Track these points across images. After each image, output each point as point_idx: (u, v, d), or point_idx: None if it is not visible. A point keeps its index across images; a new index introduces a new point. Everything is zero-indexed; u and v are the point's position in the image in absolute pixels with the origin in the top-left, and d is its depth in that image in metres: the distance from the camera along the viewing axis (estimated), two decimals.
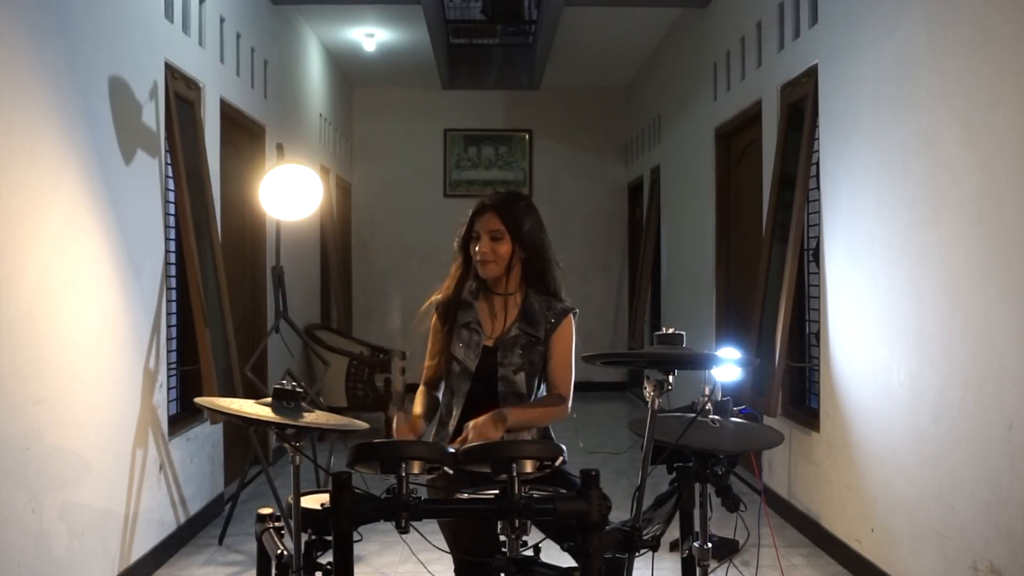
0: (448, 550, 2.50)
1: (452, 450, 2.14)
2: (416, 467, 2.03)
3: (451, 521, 2.46)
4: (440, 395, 2.73)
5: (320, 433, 6.42)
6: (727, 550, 2.73)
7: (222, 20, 5.28)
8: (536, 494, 2.04)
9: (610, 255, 10.06)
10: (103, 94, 3.71)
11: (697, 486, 2.37)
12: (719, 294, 6.37)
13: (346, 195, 9.69)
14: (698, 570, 2.37)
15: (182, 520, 4.51)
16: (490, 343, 2.65)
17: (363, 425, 2.32)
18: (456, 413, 2.61)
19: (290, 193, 4.60)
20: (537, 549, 2.15)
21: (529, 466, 2.03)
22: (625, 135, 10.09)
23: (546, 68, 8.92)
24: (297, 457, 2.18)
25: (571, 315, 2.68)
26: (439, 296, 2.75)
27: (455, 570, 2.50)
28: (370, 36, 7.92)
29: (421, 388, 2.74)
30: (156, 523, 4.19)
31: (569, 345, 2.67)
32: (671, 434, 2.24)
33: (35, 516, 3.09)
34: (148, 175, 4.17)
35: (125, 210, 3.89)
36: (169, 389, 4.43)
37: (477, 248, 2.66)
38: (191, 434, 4.65)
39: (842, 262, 4.26)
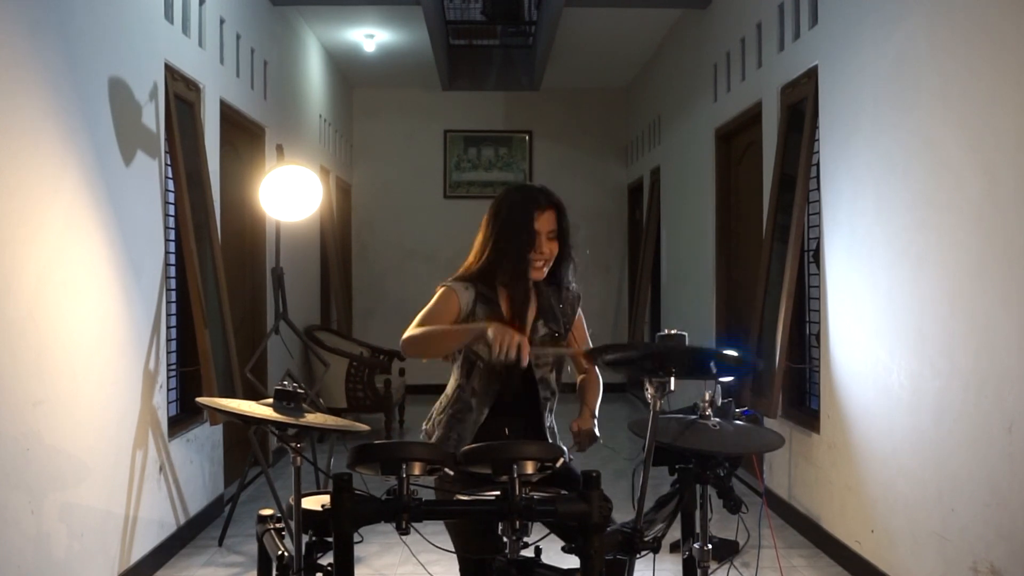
0: (453, 550, 2.49)
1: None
2: (417, 468, 2.03)
3: (457, 522, 2.45)
4: (457, 386, 2.59)
5: (320, 434, 6.41)
6: (728, 551, 2.73)
7: (222, 21, 5.28)
8: (537, 495, 2.04)
9: (610, 256, 10.06)
10: (103, 95, 3.71)
11: (698, 488, 2.37)
12: (719, 295, 6.37)
13: (346, 196, 9.69)
14: (699, 571, 2.36)
15: (182, 521, 4.51)
16: None
17: (363, 427, 2.32)
18: (485, 412, 2.52)
19: (290, 194, 4.60)
20: (538, 550, 2.15)
21: (530, 467, 2.03)
22: (625, 136, 10.09)
23: (546, 69, 8.92)
24: (297, 458, 2.18)
25: (580, 300, 2.72)
26: (461, 281, 2.56)
27: (460, 571, 2.49)
28: (370, 37, 7.92)
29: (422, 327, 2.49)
30: (156, 524, 4.18)
31: (583, 324, 2.73)
32: (672, 436, 2.24)
33: (35, 517, 3.09)
34: (148, 176, 4.17)
35: (125, 211, 3.89)
36: (169, 390, 4.42)
37: (540, 249, 2.52)
38: (191, 435, 4.65)
39: (842, 263, 4.26)
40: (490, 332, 2.31)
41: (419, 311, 2.54)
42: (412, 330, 2.46)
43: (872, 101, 3.93)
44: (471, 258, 2.61)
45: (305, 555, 2.20)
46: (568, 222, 2.59)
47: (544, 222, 2.53)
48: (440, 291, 2.55)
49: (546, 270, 2.58)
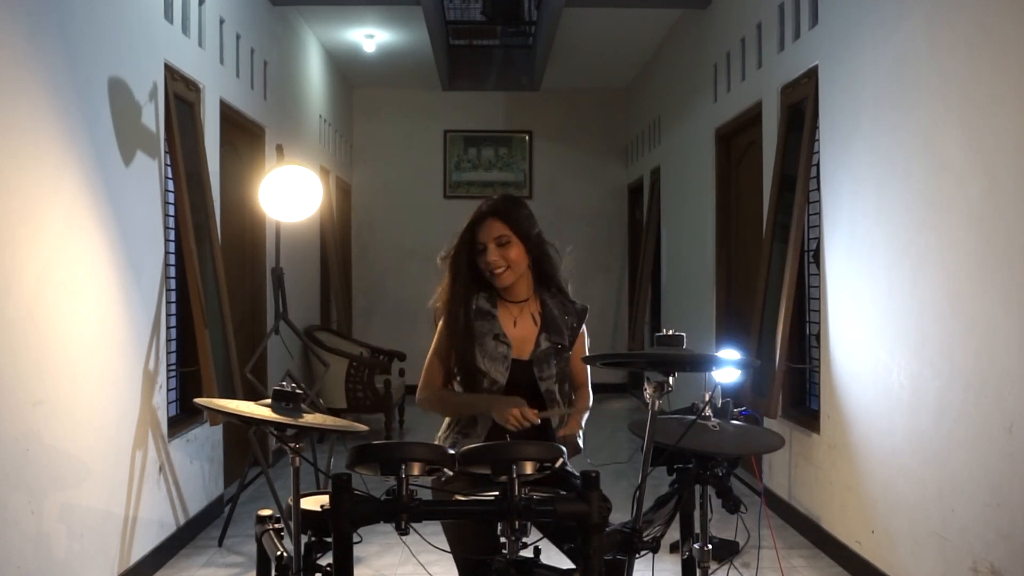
0: (450, 551, 2.49)
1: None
2: (416, 468, 2.02)
3: (454, 523, 2.45)
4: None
5: (320, 435, 6.41)
6: (727, 552, 2.73)
7: (222, 21, 5.28)
8: (536, 495, 2.04)
9: (610, 256, 10.05)
10: (103, 95, 3.71)
11: (697, 488, 2.37)
12: (719, 295, 6.36)
13: (346, 196, 9.69)
14: (698, 572, 2.36)
15: (182, 521, 4.51)
16: (518, 355, 2.59)
17: (363, 427, 2.32)
18: (488, 424, 2.55)
19: (290, 194, 4.59)
20: (537, 550, 2.14)
21: (529, 467, 2.03)
22: (625, 136, 10.09)
23: (546, 69, 8.92)
24: (297, 459, 2.18)
25: (586, 314, 2.73)
26: (446, 303, 2.64)
27: (459, 573, 2.49)
28: (370, 37, 7.92)
29: (442, 391, 2.62)
30: (156, 524, 4.18)
31: (584, 339, 2.74)
32: (671, 436, 2.24)
33: (35, 518, 3.09)
34: (148, 176, 4.17)
35: (125, 211, 3.89)
36: (169, 390, 4.42)
37: (487, 259, 2.57)
38: (191, 435, 4.65)
39: (842, 263, 4.26)
40: (494, 415, 2.46)
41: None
42: (424, 392, 2.63)
43: (872, 101, 3.93)
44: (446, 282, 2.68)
45: (304, 555, 2.20)
46: (521, 223, 2.60)
47: (487, 231, 2.58)
48: (441, 322, 2.64)
49: (509, 275, 2.59)
